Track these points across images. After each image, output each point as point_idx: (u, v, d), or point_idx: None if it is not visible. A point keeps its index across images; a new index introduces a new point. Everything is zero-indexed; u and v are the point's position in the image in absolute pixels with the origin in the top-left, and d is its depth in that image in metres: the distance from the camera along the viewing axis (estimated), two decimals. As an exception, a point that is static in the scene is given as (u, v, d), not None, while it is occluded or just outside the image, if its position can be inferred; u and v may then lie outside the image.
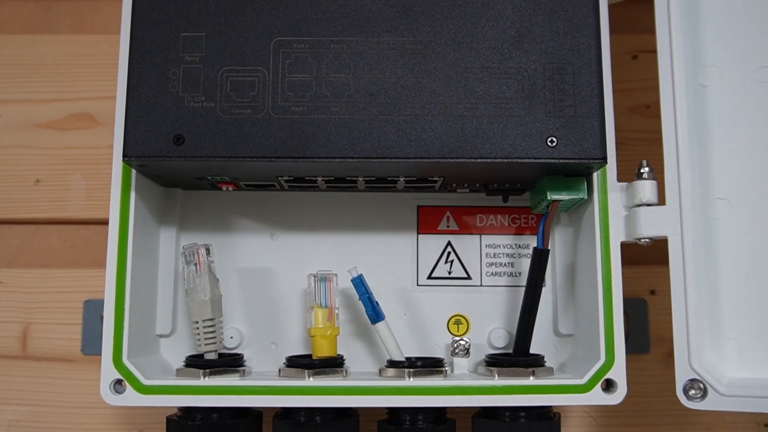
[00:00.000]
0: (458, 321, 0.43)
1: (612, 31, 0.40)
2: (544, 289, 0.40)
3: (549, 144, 0.35)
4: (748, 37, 0.39)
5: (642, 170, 0.38)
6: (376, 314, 0.39)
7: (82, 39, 0.51)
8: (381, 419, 0.40)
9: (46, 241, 0.49)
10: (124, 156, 0.35)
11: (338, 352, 0.40)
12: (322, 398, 0.37)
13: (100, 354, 0.38)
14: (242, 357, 0.41)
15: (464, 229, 0.44)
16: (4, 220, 0.49)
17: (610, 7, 0.40)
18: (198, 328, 0.39)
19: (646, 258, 0.42)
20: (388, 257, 0.43)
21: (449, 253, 0.43)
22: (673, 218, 0.37)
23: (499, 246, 0.44)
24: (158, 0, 0.36)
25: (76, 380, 0.47)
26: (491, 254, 0.43)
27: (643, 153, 0.41)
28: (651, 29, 0.39)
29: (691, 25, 0.39)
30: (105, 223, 0.46)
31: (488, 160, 0.34)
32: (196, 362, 0.39)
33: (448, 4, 0.36)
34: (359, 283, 0.39)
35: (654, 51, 0.39)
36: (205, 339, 0.39)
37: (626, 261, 0.38)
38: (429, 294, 0.43)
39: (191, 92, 0.35)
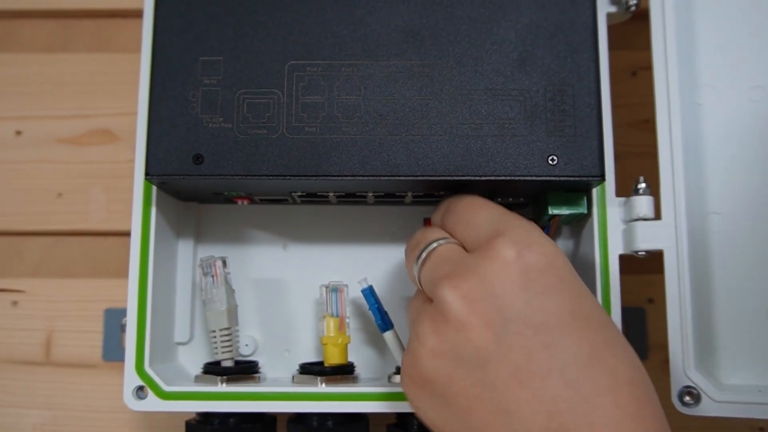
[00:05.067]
0: (464, 329, 0.44)
1: (612, 48, 0.41)
2: (546, 298, 0.42)
3: (550, 162, 0.36)
4: (741, 57, 0.41)
5: (639, 186, 0.39)
6: (385, 324, 0.40)
7: (101, 57, 0.53)
8: (390, 423, 0.42)
9: (67, 252, 0.51)
10: (146, 174, 0.36)
11: (349, 360, 0.41)
12: (334, 404, 0.38)
13: (120, 360, 0.40)
14: (257, 364, 0.42)
15: (469, 241, 0.45)
16: (27, 231, 0.51)
17: (610, 26, 0.42)
18: (215, 337, 0.41)
19: (645, 267, 0.44)
20: (397, 268, 0.45)
21: (455, 263, 0.45)
22: (669, 232, 0.38)
23: (503, 257, 0.45)
24: (178, 25, 0.37)
25: (97, 386, 0.49)
26: (495, 265, 0.45)
27: (642, 166, 0.43)
28: (649, 46, 0.41)
29: (686, 46, 0.41)
30: (124, 234, 0.48)
31: (492, 178, 0.36)
32: (213, 369, 0.41)
33: (454, 29, 0.37)
34: (369, 293, 0.40)
35: (652, 67, 0.40)
36: (222, 347, 0.41)
37: (625, 270, 0.39)
38: (435, 303, 0.44)
39: (210, 114, 0.37)
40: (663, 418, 0.29)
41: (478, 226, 0.32)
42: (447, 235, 0.34)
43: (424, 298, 0.33)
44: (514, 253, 0.30)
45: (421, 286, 0.33)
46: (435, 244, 0.33)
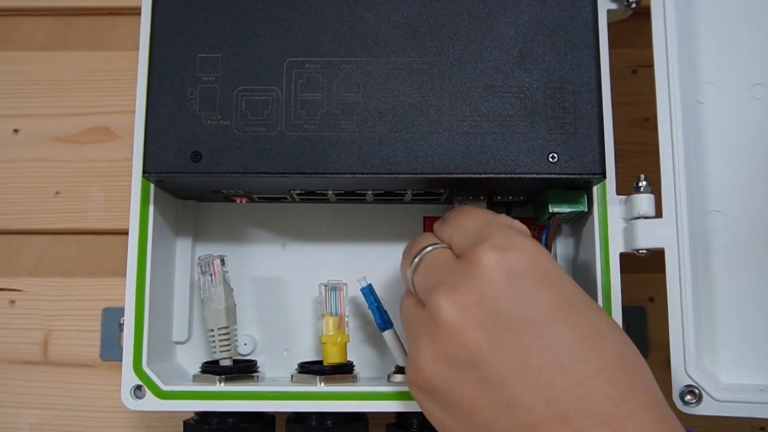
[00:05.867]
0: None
1: (612, 46, 0.41)
2: (546, 297, 0.42)
3: (550, 160, 0.36)
4: (742, 55, 0.41)
5: (640, 184, 0.39)
6: (384, 322, 0.40)
7: (99, 55, 0.53)
8: (389, 423, 0.42)
9: (65, 250, 0.51)
10: (144, 172, 0.36)
11: (348, 359, 0.41)
12: (333, 403, 0.38)
13: (118, 360, 0.40)
14: (256, 363, 0.42)
15: (469, 240, 0.45)
16: (25, 230, 0.51)
17: (610, 24, 0.42)
18: (213, 336, 0.41)
19: (646, 266, 0.44)
20: (396, 267, 0.44)
21: (455, 262, 0.45)
22: (670, 231, 0.38)
23: (503, 255, 0.45)
24: (176, 23, 0.37)
25: (95, 385, 0.49)
26: (495, 263, 0.45)
27: (642, 164, 0.42)
28: (649, 44, 0.40)
29: (687, 43, 0.41)
30: (123, 233, 0.48)
31: (492, 176, 0.36)
32: (212, 368, 0.40)
33: (454, 26, 0.37)
34: (368, 292, 0.40)
35: (652, 65, 0.40)
36: (220, 346, 0.41)
37: (626, 269, 0.39)
38: (435, 302, 0.44)
39: (208, 111, 0.37)
40: (655, 388, 0.30)
41: (466, 230, 0.34)
42: (439, 240, 0.35)
43: (416, 300, 0.34)
44: (497, 256, 0.31)
45: (415, 290, 0.34)
46: (426, 250, 0.34)
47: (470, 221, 0.34)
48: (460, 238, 0.34)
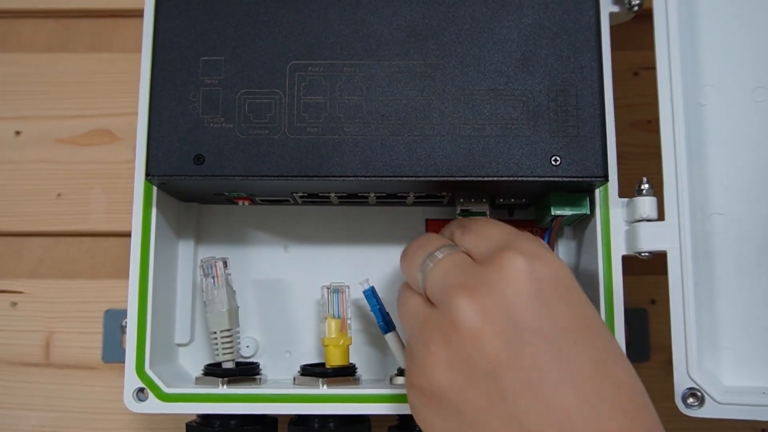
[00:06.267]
0: (465, 330, 0.44)
1: (614, 48, 0.41)
2: (548, 300, 0.42)
3: (553, 163, 0.36)
4: (743, 58, 0.41)
5: (642, 187, 0.39)
6: (387, 325, 0.40)
7: (100, 57, 0.53)
8: (392, 425, 0.42)
9: (67, 252, 0.51)
10: (146, 175, 0.36)
11: (350, 361, 0.41)
12: (335, 405, 0.38)
13: (120, 362, 0.40)
14: (258, 365, 0.42)
15: (471, 242, 0.45)
16: (27, 232, 0.51)
17: (612, 26, 0.42)
18: (216, 338, 0.41)
19: (648, 268, 0.44)
20: (399, 269, 0.44)
21: (457, 264, 0.45)
22: (672, 233, 0.38)
23: (505, 258, 0.45)
24: (179, 25, 0.37)
25: (97, 387, 0.49)
26: (497, 265, 0.45)
27: (644, 166, 0.42)
28: (651, 47, 0.40)
29: (689, 46, 0.41)
30: (124, 235, 0.48)
31: (494, 179, 0.36)
32: (214, 371, 0.40)
33: (457, 29, 0.37)
34: (371, 294, 0.40)
35: (654, 67, 0.40)
36: (223, 348, 0.41)
37: (628, 271, 0.39)
38: (437, 304, 0.44)
39: (211, 114, 0.37)
40: (656, 417, 0.29)
41: (489, 237, 0.33)
42: (452, 243, 0.34)
43: (422, 301, 0.33)
44: (524, 265, 0.30)
45: (425, 290, 0.33)
46: (446, 251, 0.33)
47: (495, 230, 0.33)
48: (483, 244, 0.33)
